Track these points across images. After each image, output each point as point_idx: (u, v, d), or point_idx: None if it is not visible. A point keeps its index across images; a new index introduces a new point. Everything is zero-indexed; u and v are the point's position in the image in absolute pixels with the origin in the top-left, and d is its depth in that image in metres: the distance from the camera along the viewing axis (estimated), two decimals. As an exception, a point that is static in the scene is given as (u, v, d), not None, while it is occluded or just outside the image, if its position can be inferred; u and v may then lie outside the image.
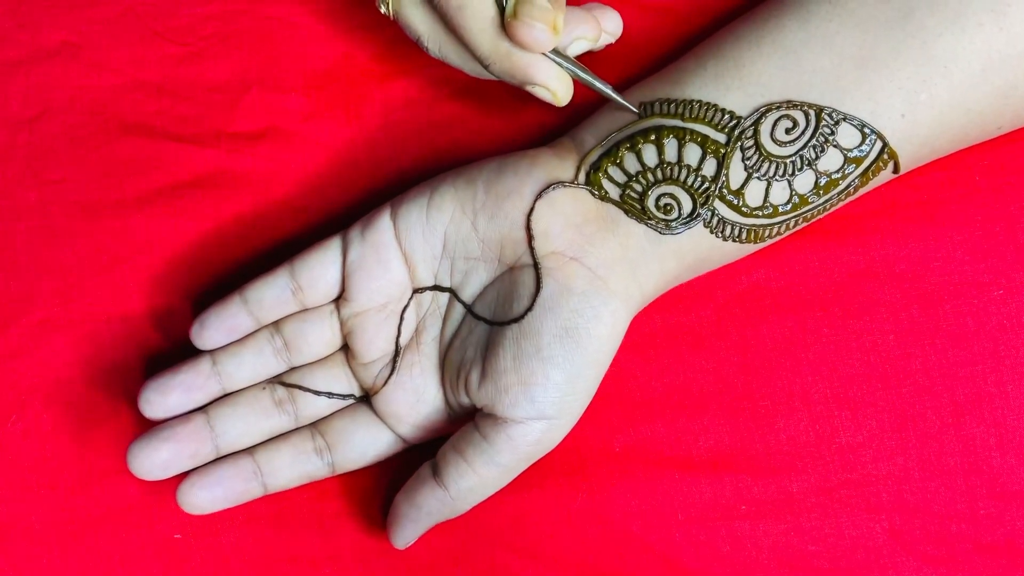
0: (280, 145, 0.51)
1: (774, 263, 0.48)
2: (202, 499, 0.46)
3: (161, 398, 0.47)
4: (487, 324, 0.45)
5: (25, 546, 0.50)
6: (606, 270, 0.44)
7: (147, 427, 0.47)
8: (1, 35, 0.52)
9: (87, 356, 0.51)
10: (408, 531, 0.46)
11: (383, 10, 0.45)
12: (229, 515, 0.50)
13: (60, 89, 0.52)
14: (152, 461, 0.46)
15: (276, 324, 0.48)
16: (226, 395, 0.47)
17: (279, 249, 0.51)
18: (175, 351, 0.50)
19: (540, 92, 0.43)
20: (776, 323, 0.48)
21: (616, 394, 0.48)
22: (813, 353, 0.47)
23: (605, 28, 0.45)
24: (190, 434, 0.46)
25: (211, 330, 0.47)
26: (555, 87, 0.43)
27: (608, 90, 0.44)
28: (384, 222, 0.46)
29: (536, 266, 0.44)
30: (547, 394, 0.43)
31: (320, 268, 0.47)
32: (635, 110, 0.45)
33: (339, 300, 0.47)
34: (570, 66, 0.44)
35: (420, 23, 0.44)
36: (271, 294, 0.47)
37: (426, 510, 0.45)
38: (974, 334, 0.47)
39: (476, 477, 0.44)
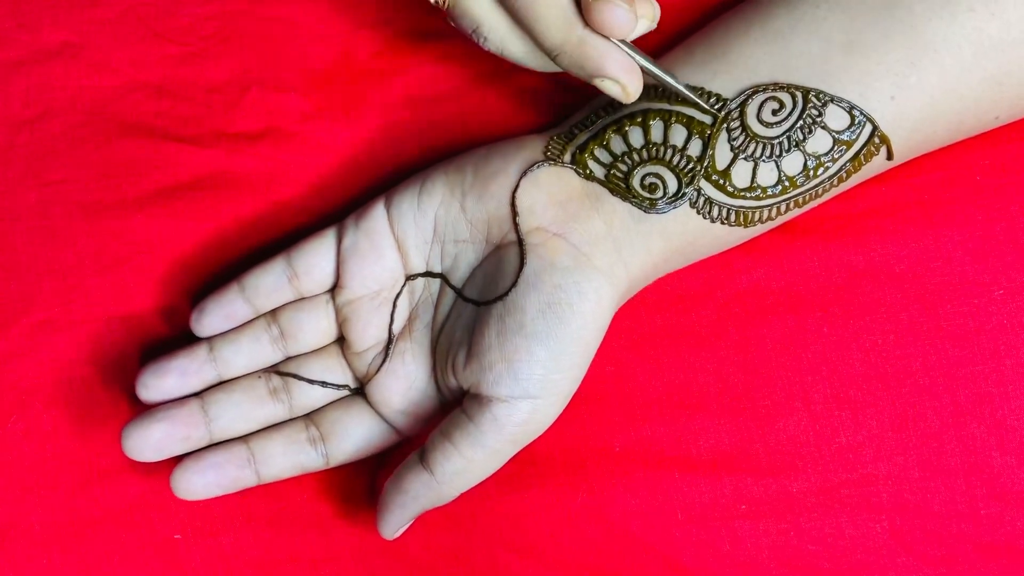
0: (280, 145, 0.51)
1: (774, 262, 0.48)
2: (195, 484, 0.47)
3: (157, 381, 0.47)
4: (475, 305, 0.45)
5: (25, 546, 0.50)
6: (590, 247, 0.44)
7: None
8: (1, 35, 0.52)
9: (88, 356, 0.51)
10: (395, 517, 0.45)
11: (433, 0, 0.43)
12: (229, 515, 0.50)
13: (61, 89, 0.52)
14: (145, 441, 0.46)
15: (273, 313, 0.48)
16: (222, 383, 0.48)
17: (279, 249, 0.51)
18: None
19: (609, 87, 0.41)
20: (776, 323, 0.48)
21: (616, 394, 0.48)
22: (813, 353, 0.47)
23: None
24: (183, 417, 0.47)
25: (209, 316, 0.48)
26: (626, 80, 0.41)
27: (679, 86, 0.43)
28: (378, 210, 0.47)
29: (520, 241, 0.44)
30: (531, 370, 0.42)
31: (316, 256, 0.47)
32: (707, 107, 0.44)
33: (334, 290, 0.48)
34: (640, 59, 0.42)
35: (481, 11, 0.42)
36: (268, 281, 0.48)
37: (412, 495, 0.45)
38: (974, 334, 0.47)
39: (462, 460, 0.44)
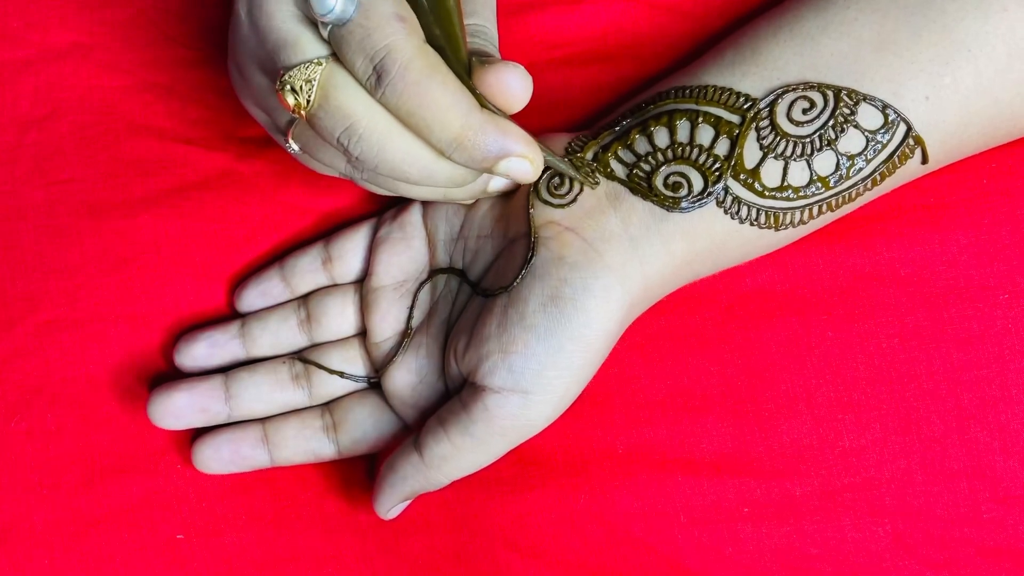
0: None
1: (779, 265, 0.48)
2: (209, 458, 0.49)
3: (188, 347, 0.50)
4: (482, 296, 0.45)
5: (27, 546, 0.50)
6: (603, 244, 0.43)
7: (153, 427, 0.49)
8: (11, 35, 0.52)
9: (92, 356, 0.51)
10: (387, 496, 0.46)
11: (291, 100, 0.37)
12: (231, 515, 0.50)
13: (70, 89, 0.52)
14: (166, 407, 0.48)
15: (304, 298, 0.50)
16: (248, 364, 0.50)
17: (286, 251, 0.51)
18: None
19: (515, 166, 0.39)
20: (780, 326, 0.48)
21: (619, 395, 0.48)
22: (817, 356, 0.47)
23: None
24: (205, 390, 0.49)
25: (248, 291, 0.50)
26: (533, 154, 0.39)
27: (555, 159, 0.43)
28: (415, 204, 0.48)
29: (529, 232, 0.44)
30: (526, 364, 0.42)
31: (351, 243, 0.50)
32: (576, 175, 0.44)
33: (363, 281, 0.49)
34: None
35: (358, 106, 0.37)
36: (304, 262, 0.50)
37: (402, 475, 0.45)
38: (979, 338, 0.46)
39: (450, 445, 0.44)
